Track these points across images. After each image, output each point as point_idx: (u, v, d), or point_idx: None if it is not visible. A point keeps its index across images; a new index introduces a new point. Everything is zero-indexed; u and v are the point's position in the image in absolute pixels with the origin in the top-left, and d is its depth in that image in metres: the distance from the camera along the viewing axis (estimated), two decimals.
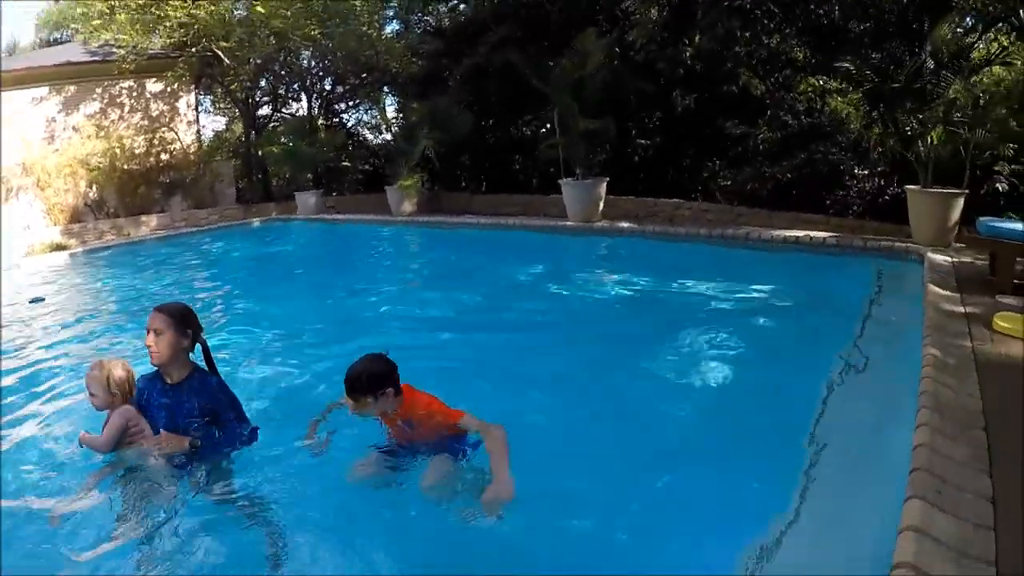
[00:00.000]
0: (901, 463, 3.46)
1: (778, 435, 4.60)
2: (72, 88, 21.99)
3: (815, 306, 7.93)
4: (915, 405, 4.09)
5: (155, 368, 4.35)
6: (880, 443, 4.20)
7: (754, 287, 8.59)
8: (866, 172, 13.27)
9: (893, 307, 7.27)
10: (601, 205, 14.24)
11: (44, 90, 21.60)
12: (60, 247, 18.39)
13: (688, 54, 15.76)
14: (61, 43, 35.01)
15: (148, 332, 4.24)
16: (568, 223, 14.04)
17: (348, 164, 26.47)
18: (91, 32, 20.70)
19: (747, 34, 14.70)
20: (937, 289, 6.82)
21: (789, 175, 13.33)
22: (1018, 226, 7.22)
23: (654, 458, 4.53)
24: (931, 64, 10.22)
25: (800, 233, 10.75)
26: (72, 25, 32.16)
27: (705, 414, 5.28)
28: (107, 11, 19.88)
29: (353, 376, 4.22)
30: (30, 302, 11.55)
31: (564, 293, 9.61)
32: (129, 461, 4.18)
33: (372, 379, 4.20)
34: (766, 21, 14.77)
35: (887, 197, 12.81)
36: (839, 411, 4.74)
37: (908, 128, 10.36)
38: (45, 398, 6.28)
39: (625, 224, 13.20)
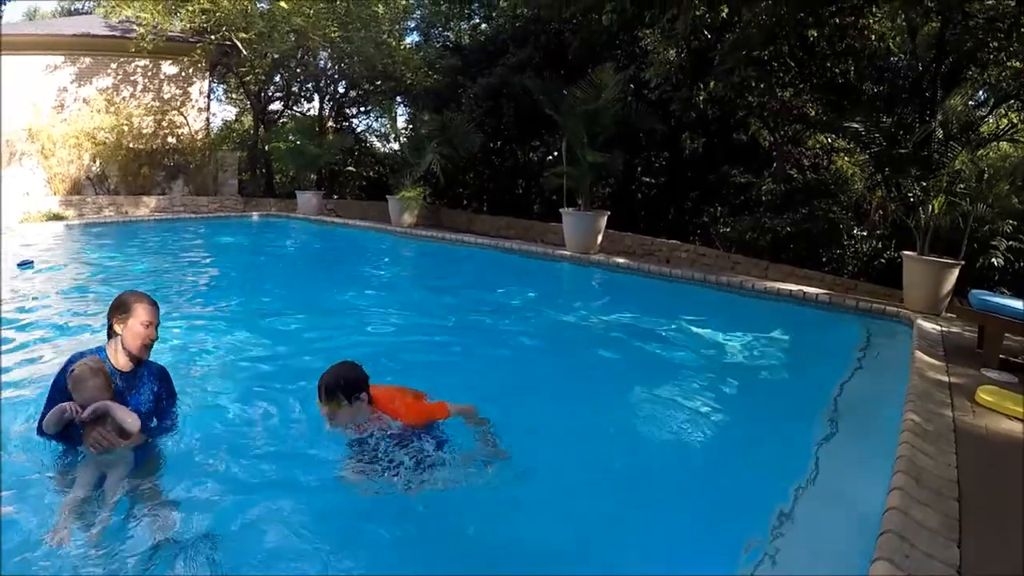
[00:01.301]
0: (872, 525, 3.48)
1: (752, 488, 4.59)
2: (88, 60, 22.03)
3: (801, 362, 7.91)
4: (891, 469, 4.10)
5: (94, 352, 4.35)
6: (852, 505, 4.20)
7: (743, 337, 8.55)
8: (864, 233, 13.33)
9: (878, 370, 7.27)
10: (600, 238, 14.25)
11: (60, 59, 21.64)
12: (57, 217, 18.35)
13: (701, 98, 15.85)
14: (82, 14, 35.12)
15: (152, 327, 4.41)
16: (565, 252, 14.03)
17: (353, 169, 26.57)
18: (113, 7, 20.84)
19: (762, 85, 14.81)
20: (924, 356, 6.85)
21: (789, 228, 13.39)
22: (1009, 302, 7.27)
23: (619, 502, 4.50)
24: (940, 133, 10.31)
25: (794, 287, 10.74)
26: None
27: (674, 459, 5.26)
28: None
29: (330, 380, 4.34)
30: (18, 266, 11.52)
31: (551, 320, 9.58)
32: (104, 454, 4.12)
33: (348, 384, 4.33)
34: (781, 74, 14.89)
35: (883, 260, 12.90)
36: (814, 468, 4.74)
37: (911, 194, 10.43)
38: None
39: (621, 260, 13.20)
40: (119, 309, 4.39)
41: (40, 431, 4.10)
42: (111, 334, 4.42)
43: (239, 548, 3.63)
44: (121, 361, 4.36)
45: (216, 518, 3.84)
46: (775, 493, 4.35)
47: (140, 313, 4.37)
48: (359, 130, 28.17)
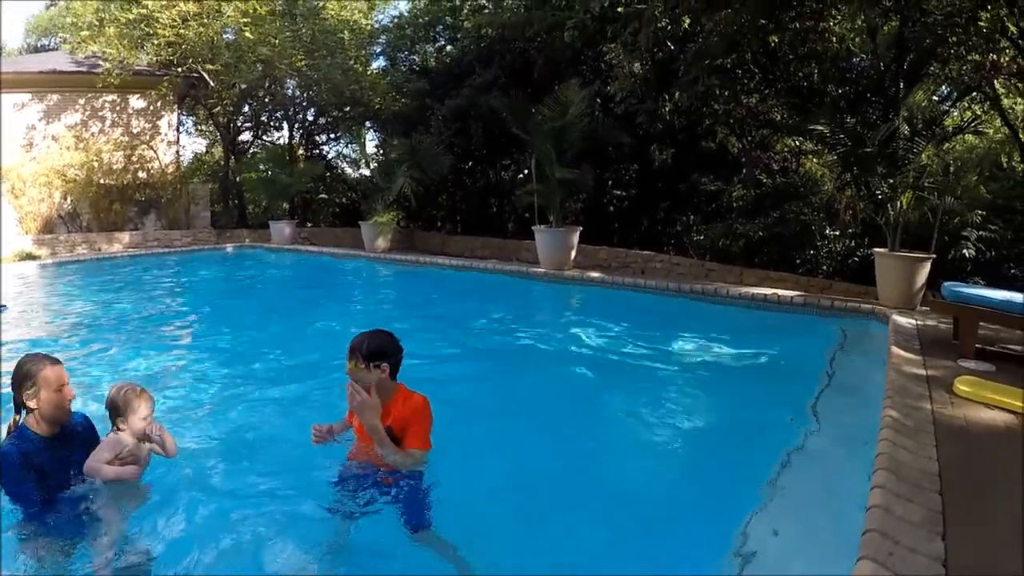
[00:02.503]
0: (855, 523, 3.46)
1: (733, 492, 4.59)
2: (55, 97, 21.97)
3: (778, 364, 7.94)
4: (871, 465, 4.09)
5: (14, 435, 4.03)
6: (834, 503, 4.20)
7: (719, 343, 8.57)
8: (836, 233, 13.40)
9: (855, 367, 7.31)
10: (573, 253, 14.28)
11: (27, 96, 21.58)
12: (30, 256, 18.19)
13: (667, 109, 15.92)
14: (48, 50, 35.00)
15: (66, 386, 4.08)
16: (539, 269, 14.06)
17: (325, 196, 26.52)
18: (79, 42, 20.71)
19: (726, 92, 14.88)
20: (900, 351, 6.86)
21: (761, 233, 13.45)
22: (982, 292, 7.30)
23: (597, 509, 4.52)
24: (905, 130, 10.36)
25: (768, 291, 10.82)
26: (60, 33, 32.25)
27: (657, 465, 5.27)
28: (97, 23, 19.95)
29: (358, 340, 4.38)
30: None
31: (526, 337, 9.57)
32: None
33: (373, 349, 4.32)
34: (746, 81, 14.98)
35: (856, 259, 12.98)
36: (795, 469, 4.73)
37: (879, 192, 10.48)
38: None
39: (595, 274, 13.22)
40: (24, 383, 3.96)
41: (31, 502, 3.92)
42: (24, 410, 4.00)
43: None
44: (46, 429, 4.02)
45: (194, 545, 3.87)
46: (758, 491, 4.38)
47: (50, 380, 3.99)
48: (330, 157, 28.13)
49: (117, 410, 4.25)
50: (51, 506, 3.93)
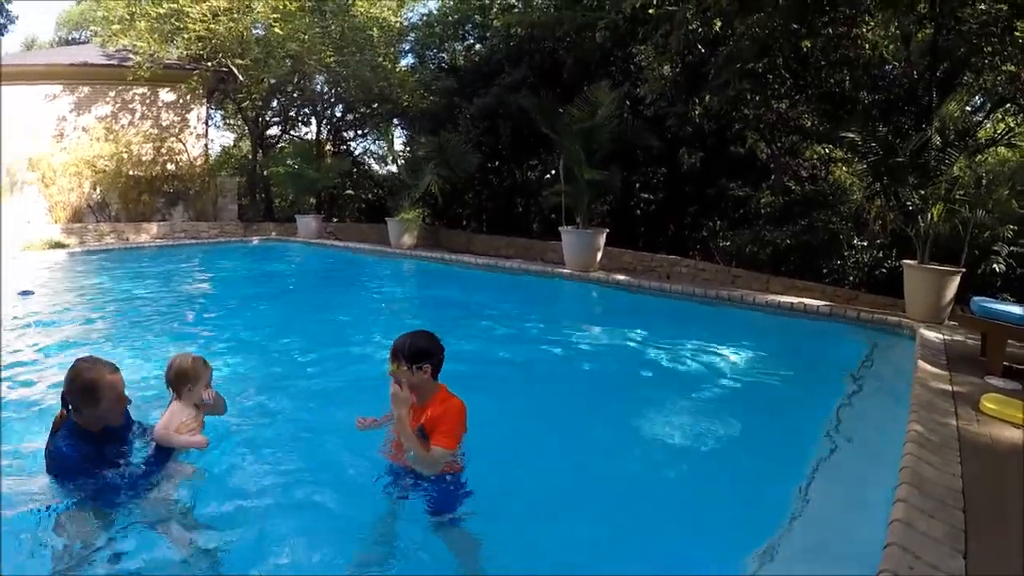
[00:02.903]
0: (876, 537, 3.44)
1: (756, 501, 4.56)
2: (86, 89, 22.24)
3: (803, 374, 7.86)
4: (895, 480, 4.06)
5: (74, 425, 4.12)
6: (856, 516, 4.18)
7: (744, 351, 8.52)
8: (864, 243, 13.28)
9: (881, 380, 7.25)
10: (599, 255, 14.28)
11: (58, 88, 21.89)
12: (59, 245, 18.41)
13: (697, 113, 15.84)
14: (79, 43, 35.34)
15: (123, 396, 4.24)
16: (565, 270, 14.08)
17: (351, 192, 26.61)
18: (110, 36, 20.92)
19: (757, 97, 14.79)
20: (927, 366, 6.81)
21: (788, 241, 13.35)
22: (1012, 308, 7.22)
23: (621, 511, 4.53)
24: (937, 140, 10.24)
25: (794, 299, 10.74)
26: (91, 27, 32.54)
27: (678, 473, 5.23)
28: (128, 17, 20.12)
29: (401, 342, 4.42)
30: (19, 294, 11.56)
31: (551, 338, 9.55)
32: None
33: (415, 350, 4.36)
34: (777, 86, 14.87)
35: (884, 270, 12.84)
36: (818, 481, 4.70)
37: (909, 203, 10.38)
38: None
39: (621, 276, 13.20)
40: (86, 393, 4.00)
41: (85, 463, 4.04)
42: (78, 411, 4.08)
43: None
44: (96, 427, 4.14)
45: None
46: (779, 504, 4.35)
47: (111, 391, 4.08)
48: (357, 153, 28.29)
49: (186, 380, 4.49)
50: (104, 491, 4.01)
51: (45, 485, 4.06)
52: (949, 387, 6.20)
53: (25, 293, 11.76)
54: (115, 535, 3.79)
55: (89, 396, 3.98)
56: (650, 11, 14.52)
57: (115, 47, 21.50)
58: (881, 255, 13.16)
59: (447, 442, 4.24)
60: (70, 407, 4.05)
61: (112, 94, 22.66)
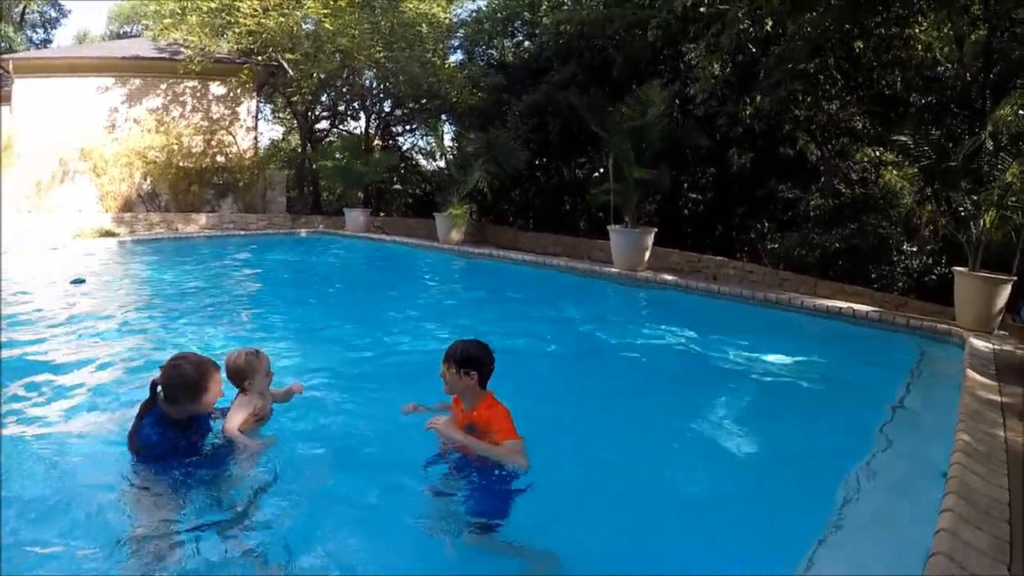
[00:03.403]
0: (921, 546, 3.48)
1: (799, 508, 4.57)
2: (137, 81, 22.80)
3: (850, 380, 7.81)
4: (942, 489, 4.09)
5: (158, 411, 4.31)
6: (902, 524, 4.19)
7: (791, 354, 8.49)
8: (914, 249, 13.17)
9: (929, 389, 7.18)
10: (647, 255, 14.29)
11: (110, 80, 22.45)
12: (109, 233, 18.80)
13: (748, 113, 15.77)
14: (130, 37, 35.92)
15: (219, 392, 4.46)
16: (612, 269, 14.11)
17: (399, 187, 26.79)
18: (161, 30, 21.39)
19: (808, 98, 14.71)
20: (976, 376, 6.78)
21: (837, 244, 13.28)
22: None
23: (667, 513, 4.56)
24: (990, 145, 10.11)
25: (843, 304, 10.64)
26: (143, 21, 33.12)
27: (724, 478, 5.24)
28: (179, 11, 20.58)
29: (454, 347, 4.61)
30: (71, 282, 11.86)
31: (600, 337, 9.64)
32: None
33: (465, 356, 4.53)
34: (828, 87, 14.77)
35: (933, 276, 12.72)
36: (863, 489, 4.70)
37: (961, 208, 10.29)
38: (65, 376, 6.63)
39: (669, 277, 13.21)
40: (193, 390, 4.23)
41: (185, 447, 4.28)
42: (168, 403, 4.26)
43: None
44: (182, 416, 4.33)
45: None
46: (824, 511, 4.34)
47: (215, 390, 4.35)
48: (404, 148, 28.44)
49: (242, 375, 4.70)
50: (186, 475, 4.19)
51: (125, 467, 4.25)
52: (997, 397, 6.18)
53: (77, 281, 12.04)
54: (194, 517, 3.93)
55: (190, 394, 4.22)
56: (701, 9, 14.50)
57: (166, 41, 22.00)
58: (931, 261, 13.05)
59: (511, 436, 4.36)
60: (163, 397, 4.23)
61: (163, 87, 23.14)
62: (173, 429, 4.23)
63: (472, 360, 4.53)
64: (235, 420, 4.55)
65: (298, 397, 5.30)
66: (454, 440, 4.41)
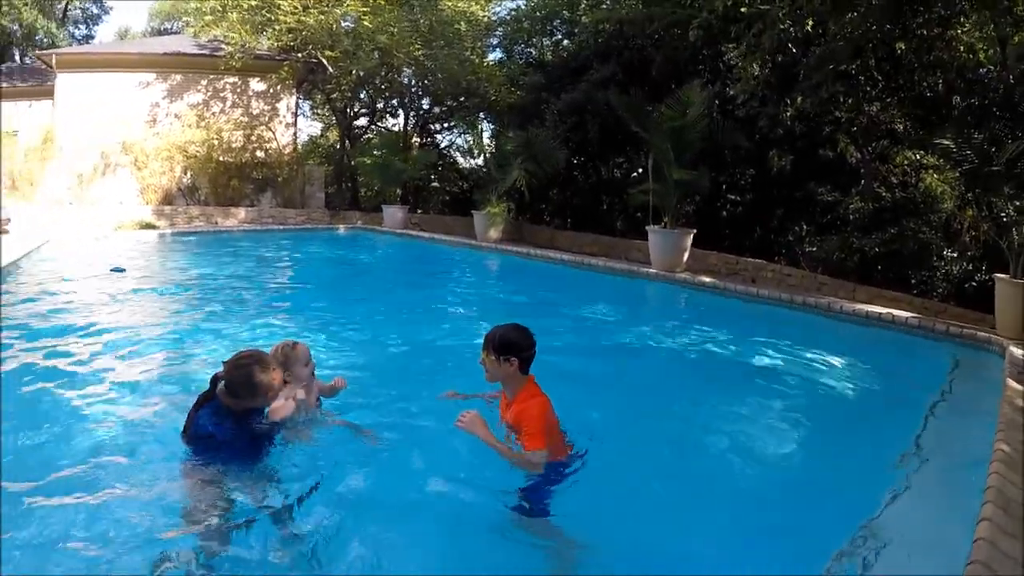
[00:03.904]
0: (959, 555, 3.50)
1: (834, 514, 4.54)
2: (178, 77, 23.29)
3: (889, 387, 7.81)
4: (980, 498, 4.09)
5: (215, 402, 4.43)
6: (940, 534, 4.16)
7: (829, 359, 8.49)
8: (955, 255, 13.06)
9: (968, 398, 7.13)
10: (686, 256, 14.35)
11: (152, 76, 22.91)
12: (149, 225, 19.17)
13: (788, 114, 15.70)
14: (171, 33, 36.44)
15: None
16: (651, 270, 14.18)
17: (436, 184, 26.92)
18: (202, 27, 21.72)
19: (849, 100, 14.62)
20: (1016, 385, 6.74)
21: (877, 249, 13.21)
22: None
23: (696, 513, 4.59)
24: None
25: (882, 310, 10.60)
26: (184, 18, 33.57)
27: (756, 479, 5.27)
28: (220, 8, 20.87)
29: (492, 332, 4.55)
30: (111, 271, 12.21)
31: (639, 338, 9.69)
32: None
33: (504, 342, 4.46)
34: (868, 88, 14.67)
35: (974, 283, 12.60)
36: (900, 494, 4.67)
37: (1003, 214, 10.21)
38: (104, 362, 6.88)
39: (707, 279, 13.26)
40: (254, 389, 4.29)
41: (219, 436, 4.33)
42: (228, 396, 4.35)
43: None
44: (240, 408, 4.42)
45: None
46: (858, 518, 4.30)
47: (272, 387, 4.38)
48: (443, 146, 28.58)
49: (282, 367, 4.64)
50: (235, 466, 4.34)
51: (167, 453, 4.48)
52: None
53: (117, 269, 12.35)
54: (239, 506, 4.08)
55: (253, 391, 4.29)
56: (742, 9, 14.45)
57: (207, 37, 22.32)
58: (971, 267, 12.93)
59: (534, 443, 4.24)
60: (224, 391, 4.32)
61: (204, 82, 23.55)
62: (229, 420, 4.33)
63: (511, 345, 4.45)
64: (281, 410, 4.66)
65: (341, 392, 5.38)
66: (481, 439, 4.27)
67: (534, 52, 26.07)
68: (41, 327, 8.15)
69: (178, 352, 7.37)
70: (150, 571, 3.45)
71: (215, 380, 4.40)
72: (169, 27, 43.00)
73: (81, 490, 4.11)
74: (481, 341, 4.58)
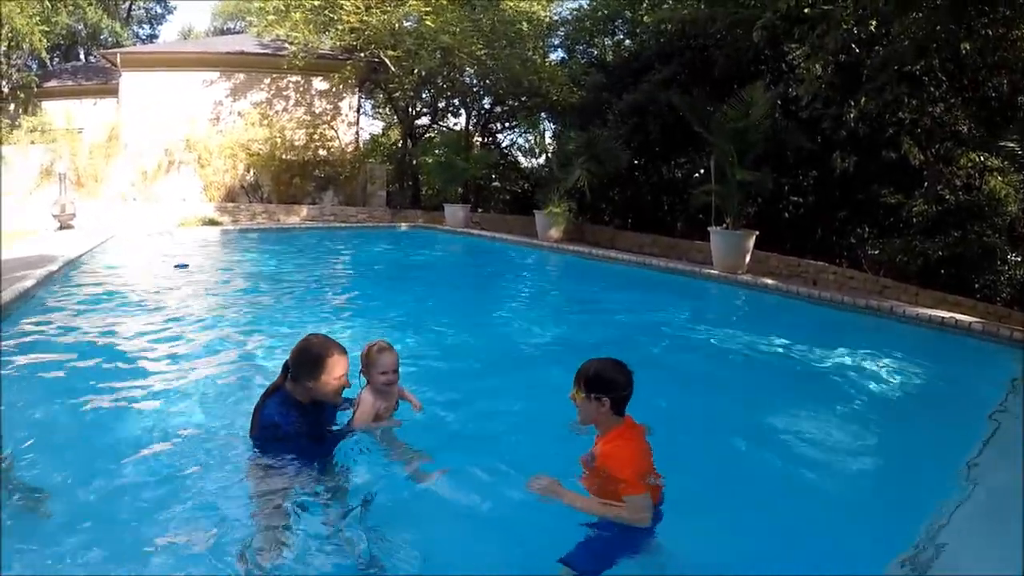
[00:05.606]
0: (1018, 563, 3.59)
1: (889, 527, 4.52)
2: (241, 76, 23.92)
3: (952, 393, 7.84)
4: None
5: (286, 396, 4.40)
6: (996, 549, 4.16)
7: (891, 364, 8.45)
8: (1019, 259, 12.95)
9: None
10: (748, 258, 14.40)
11: (215, 74, 23.70)
12: (212, 222, 19.75)
13: (852, 116, 15.65)
14: (234, 33, 37.11)
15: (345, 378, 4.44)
16: (712, 271, 14.26)
17: (497, 184, 27.14)
18: (265, 26, 22.16)
19: (914, 101, 14.55)
20: None
21: (940, 252, 13.17)
22: None
23: (754, 515, 4.59)
24: None
25: (945, 314, 10.56)
26: (247, 18, 34.17)
27: (813, 484, 5.28)
28: (283, 8, 21.29)
29: (585, 365, 4.01)
30: (175, 267, 12.74)
31: (699, 338, 9.79)
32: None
33: (596, 378, 3.93)
34: (932, 89, 14.59)
35: None
36: (962, 504, 4.59)
37: None
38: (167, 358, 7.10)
39: (769, 280, 13.32)
40: (313, 365, 4.27)
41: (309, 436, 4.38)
42: (296, 382, 4.33)
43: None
44: (307, 399, 4.39)
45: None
46: (918, 524, 4.32)
47: (336, 369, 4.32)
48: (504, 145, 28.78)
49: (361, 364, 4.78)
50: (301, 460, 4.32)
51: (243, 442, 4.55)
52: None
53: (181, 266, 12.84)
54: (301, 502, 4.09)
55: (311, 369, 4.25)
56: (805, 10, 14.45)
57: (270, 37, 22.75)
58: None
59: (628, 490, 3.73)
60: (289, 376, 4.34)
61: (267, 81, 24.12)
62: (296, 411, 4.30)
63: (604, 383, 3.90)
64: (363, 416, 4.70)
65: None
66: (565, 504, 3.77)
67: (596, 52, 26.20)
68: (106, 324, 8.41)
69: (245, 347, 7.54)
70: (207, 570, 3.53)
71: (286, 367, 4.38)
72: (232, 27, 43.77)
73: (147, 490, 4.23)
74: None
